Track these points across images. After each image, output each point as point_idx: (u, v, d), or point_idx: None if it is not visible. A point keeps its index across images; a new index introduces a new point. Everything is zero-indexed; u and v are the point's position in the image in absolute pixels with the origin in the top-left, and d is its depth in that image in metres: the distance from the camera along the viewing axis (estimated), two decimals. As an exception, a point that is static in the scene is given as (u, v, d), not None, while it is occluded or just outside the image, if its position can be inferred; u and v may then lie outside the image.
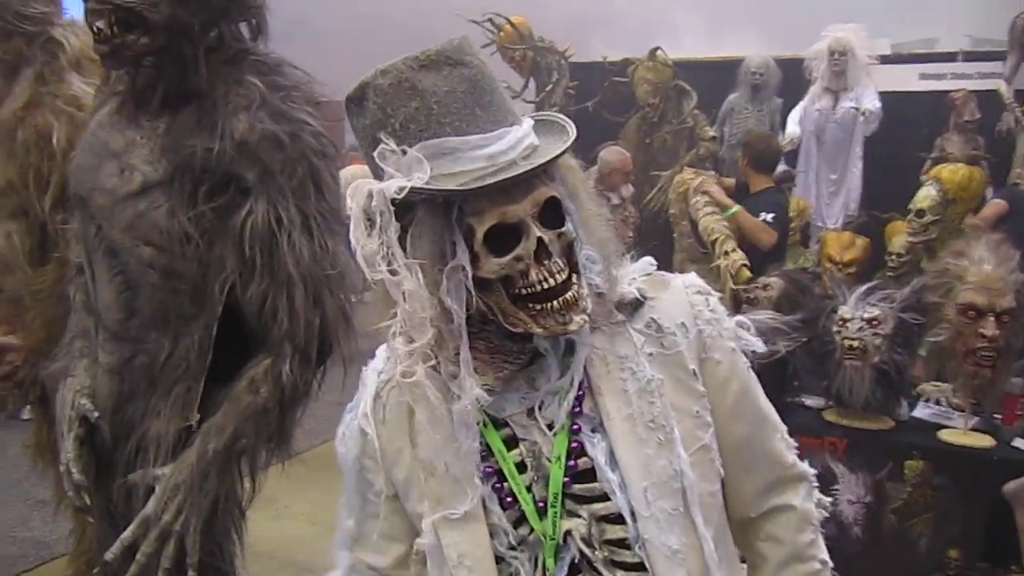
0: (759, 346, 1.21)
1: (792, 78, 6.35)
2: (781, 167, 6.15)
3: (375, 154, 1.02)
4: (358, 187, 1.01)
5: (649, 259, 1.21)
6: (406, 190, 0.98)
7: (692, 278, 1.19)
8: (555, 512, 1.08)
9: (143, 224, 1.64)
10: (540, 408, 1.10)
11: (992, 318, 2.84)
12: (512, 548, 1.09)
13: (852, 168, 5.95)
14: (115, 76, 1.70)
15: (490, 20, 6.87)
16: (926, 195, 4.07)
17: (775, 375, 3.32)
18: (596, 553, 1.08)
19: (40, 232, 2.19)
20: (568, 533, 1.08)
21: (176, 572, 1.66)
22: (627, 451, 1.08)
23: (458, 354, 1.04)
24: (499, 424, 1.11)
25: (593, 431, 1.09)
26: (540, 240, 1.02)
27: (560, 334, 1.05)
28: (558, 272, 1.03)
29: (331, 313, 1.65)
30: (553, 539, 1.07)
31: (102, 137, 1.69)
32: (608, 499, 1.08)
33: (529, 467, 1.09)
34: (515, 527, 1.09)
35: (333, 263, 1.65)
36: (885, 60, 6.31)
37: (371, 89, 1.02)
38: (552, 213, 1.04)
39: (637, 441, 1.08)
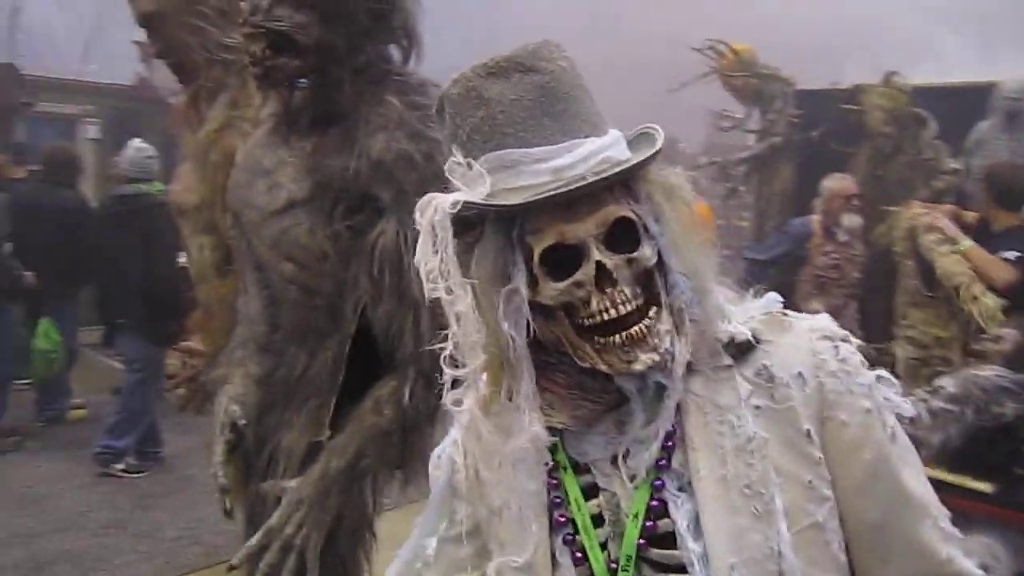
0: (906, 409, 1.01)
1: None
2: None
3: (445, 167, 0.96)
4: (427, 201, 0.96)
5: (775, 295, 1.04)
6: (459, 204, 0.91)
7: (821, 321, 1.02)
8: (629, 565, 0.95)
9: (286, 240, 1.68)
10: (626, 457, 0.96)
11: None
12: None
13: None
14: (272, 98, 1.77)
15: (711, 47, 6.66)
16: None
17: (1001, 443, 2.89)
18: None
19: (226, 246, 2.33)
20: None
21: (297, 585, 1.67)
22: (715, 518, 0.92)
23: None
24: (580, 469, 0.99)
25: (680, 490, 0.95)
26: (601, 265, 0.91)
27: (625, 372, 0.92)
28: (623, 303, 0.91)
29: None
30: None
31: (257, 156, 1.76)
32: (686, 571, 0.93)
33: (607, 521, 0.97)
34: None
35: (462, 286, 1.61)
36: None
37: (445, 99, 0.97)
38: (625, 235, 0.92)
39: (729, 508, 0.92)
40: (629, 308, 0.91)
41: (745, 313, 1.01)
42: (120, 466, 5.13)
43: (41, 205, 5.66)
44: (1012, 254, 4.15)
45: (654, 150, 0.94)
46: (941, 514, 0.99)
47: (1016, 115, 5.84)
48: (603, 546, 0.97)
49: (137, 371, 5.23)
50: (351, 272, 1.66)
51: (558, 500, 1.00)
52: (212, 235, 2.38)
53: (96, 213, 5.78)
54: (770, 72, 6.56)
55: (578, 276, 0.91)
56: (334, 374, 1.71)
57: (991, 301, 3.64)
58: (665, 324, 0.93)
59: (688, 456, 0.95)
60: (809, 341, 0.98)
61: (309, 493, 1.64)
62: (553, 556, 0.99)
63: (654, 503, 0.95)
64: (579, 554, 0.98)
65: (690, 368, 0.96)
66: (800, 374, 0.96)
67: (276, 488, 1.70)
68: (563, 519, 0.99)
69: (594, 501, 0.98)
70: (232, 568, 1.71)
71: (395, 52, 1.75)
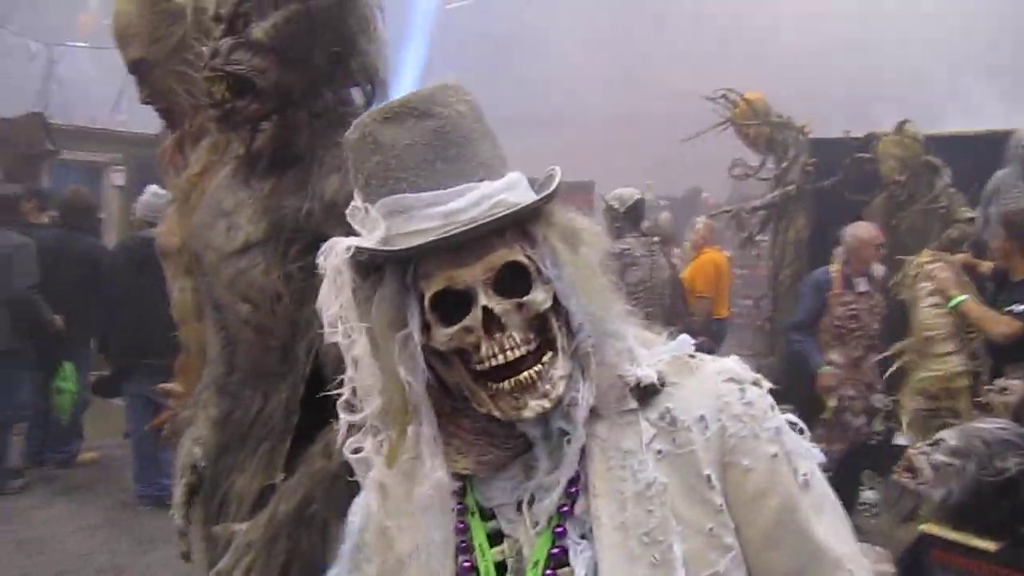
0: (816, 455, 0.97)
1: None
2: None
3: (347, 212, 0.97)
4: (330, 246, 0.97)
5: (686, 338, 1.02)
6: (353, 250, 0.92)
7: (728, 363, 0.99)
8: None
9: (242, 281, 1.69)
10: (531, 503, 0.95)
11: None
12: None
13: None
14: (235, 141, 1.79)
15: (724, 96, 6.68)
16: None
17: (1005, 499, 2.78)
18: None
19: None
20: None
21: (247, 633, 1.64)
22: (612, 567, 0.89)
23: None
24: (487, 515, 0.98)
25: (582, 536, 0.92)
26: (488, 310, 0.90)
27: (515, 420, 0.91)
28: (511, 348, 0.90)
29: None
30: None
31: (218, 197, 1.78)
32: None
33: (509, 568, 0.95)
34: None
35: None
36: None
37: (346, 145, 0.98)
38: (516, 279, 0.91)
39: (627, 557, 0.89)
40: (519, 353, 0.90)
41: (654, 356, 0.98)
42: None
43: (62, 250, 5.76)
44: (1022, 307, 4.07)
45: (545, 193, 0.94)
46: (859, 568, 0.94)
47: (1032, 164, 5.78)
48: None
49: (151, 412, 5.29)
50: (304, 314, 1.65)
51: (463, 545, 0.98)
52: (192, 277, 2.39)
53: (115, 257, 5.86)
54: (782, 120, 6.56)
55: (467, 321, 0.90)
56: (287, 416, 1.69)
57: (956, 362, 3.57)
58: (560, 369, 0.91)
59: (590, 502, 0.92)
60: (715, 384, 0.96)
61: (257, 537, 1.62)
62: None
63: (555, 551, 0.92)
64: None
65: (595, 412, 0.94)
66: (702, 417, 0.93)
67: (227, 531, 1.67)
68: (468, 564, 0.97)
69: (498, 548, 0.96)
70: (180, 613, 1.68)
71: (357, 94, 1.76)
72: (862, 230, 5.24)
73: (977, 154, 6.06)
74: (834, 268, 5.14)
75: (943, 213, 5.74)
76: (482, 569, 0.96)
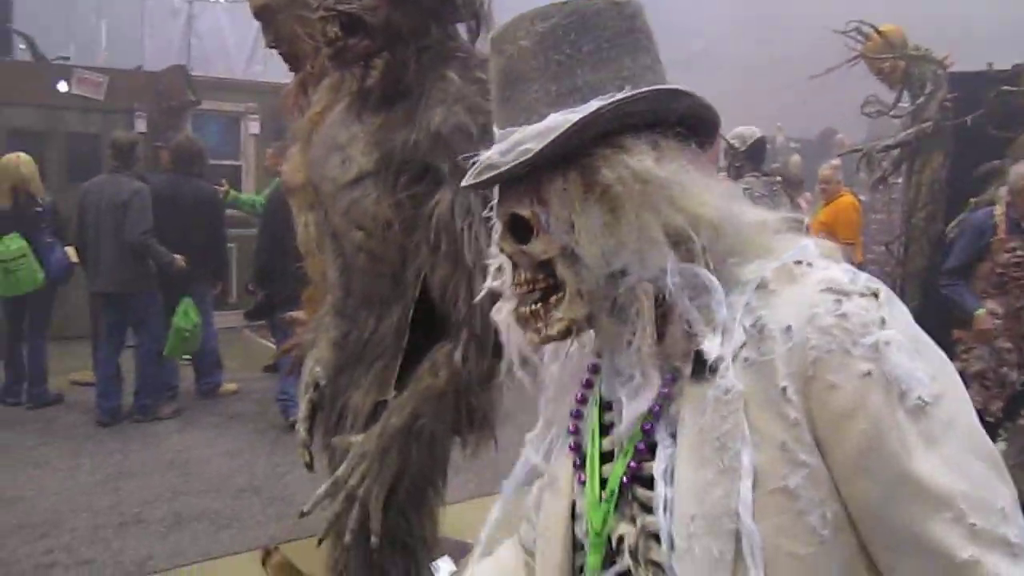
0: (919, 380, 0.83)
1: None
2: None
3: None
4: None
5: (808, 243, 0.94)
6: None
7: (834, 272, 0.89)
8: (606, 509, 0.97)
9: (356, 210, 1.79)
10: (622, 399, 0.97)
11: None
12: (583, 534, 1.01)
13: None
14: (348, 77, 1.88)
15: (856, 29, 6.35)
16: None
17: None
18: (640, 571, 0.94)
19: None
20: (620, 539, 0.96)
21: (362, 536, 1.78)
22: (685, 467, 0.90)
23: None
24: (605, 407, 1.02)
25: (673, 436, 0.92)
26: (505, 251, 0.99)
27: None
28: (518, 284, 0.98)
29: None
30: (599, 536, 0.97)
31: (332, 132, 1.88)
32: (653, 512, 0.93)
33: (613, 457, 0.99)
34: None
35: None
36: None
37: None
38: (520, 227, 0.96)
39: (699, 459, 0.88)
40: (524, 290, 0.97)
41: (762, 268, 0.92)
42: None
43: (174, 194, 6.03)
44: None
45: (524, 159, 0.90)
46: (973, 509, 0.81)
47: None
48: (603, 480, 0.99)
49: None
50: (413, 240, 1.74)
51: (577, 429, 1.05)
52: (315, 212, 2.53)
53: (269, 201, 6.15)
54: (920, 54, 6.19)
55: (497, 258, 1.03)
56: (398, 338, 1.80)
57: None
58: (565, 312, 0.94)
59: (680, 405, 0.92)
60: (811, 294, 0.87)
61: (371, 448, 1.75)
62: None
63: (640, 446, 0.95)
64: (584, 480, 1.01)
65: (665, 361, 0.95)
66: (789, 327, 0.86)
67: (344, 442, 1.81)
68: (575, 446, 1.04)
69: (608, 438, 1.00)
70: (303, 514, 1.84)
71: (463, 31, 1.82)
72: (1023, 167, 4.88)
73: None
74: (998, 211, 4.70)
75: (1096, 150, 5.32)
76: (588, 455, 1.01)
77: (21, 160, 6.05)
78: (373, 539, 1.76)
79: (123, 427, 5.85)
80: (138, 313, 5.92)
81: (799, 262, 0.91)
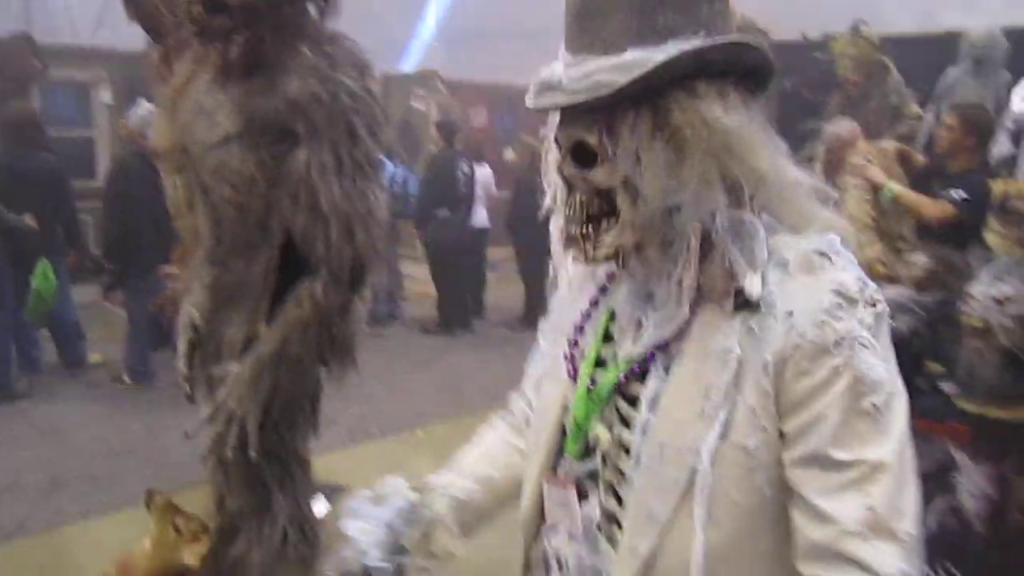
0: (880, 386, 0.91)
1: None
2: (1006, 148, 5.66)
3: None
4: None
5: (833, 237, 1.00)
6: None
7: (849, 277, 0.95)
8: (589, 408, 1.08)
9: (224, 169, 2.04)
10: (639, 327, 1.06)
11: None
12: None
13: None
14: (212, 51, 2.11)
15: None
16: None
17: (899, 355, 3.19)
18: (606, 472, 1.07)
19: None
20: (596, 439, 1.08)
21: (241, 453, 2.06)
22: (671, 401, 1.00)
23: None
24: (612, 317, 1.12)
25: (667, 369, 1.02)
26: (564, 173, 1.04)
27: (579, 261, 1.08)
28: (571, 207, 1.04)
29: (360, 245, 1.96)
30: (579, 428, 1.09)
31: (199, 99, 2.12)
32: (631, 428, 1.05)
33: (608, 365, 1.10)
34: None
35: (363, 202, 1.96)
36: None
37: None
38: (585, 153, 1.00)
39: (685, 398, 0.99)
40: (576, 212, 1.03)
41: (789, 246, 0.99)
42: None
43: (14, 168, 5.87)
44: (960, 194, 4.41)
45: (622, 82, 0.93)
46: (879, 494, 0.90)
47: (982, 62, 6.04)
48: (593, 380, 1.10)
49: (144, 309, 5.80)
50: (275, 194, 2.02)
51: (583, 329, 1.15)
52: (183, 174, 2.74)
53: (117, 169, 6.10)
54: (745, 23, 6.77)
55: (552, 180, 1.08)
56: (266, 278, 2.08)
57: (873, 252, 3.94)
58: (614, 238, 1.00)
59: (683, 345, 1.01)
60: (821, 291, 0.94)
61: (246, 374, 2.02)
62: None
63: (635, 368, 1.05)
64: (574, 372, 1.13)
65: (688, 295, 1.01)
66: (791, 312, 0.94)
67: (222, 371, 2.08)
68: (576, 342, 1.15)
69: (606, 346, 1.11)
70: (187, 436, 2.10)
71: (312, 9, 2.08)
72: (844, 128, 5.36)
73: (929, 55, 6.31)
74: (816, 167, 5.12)
75: (894, 110, 6.05)
76: (587, 356, 1.12)
77: None
78: (252, 453, 2.05)
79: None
80: None
81: (822, 254, 0.97)
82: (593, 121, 0.97)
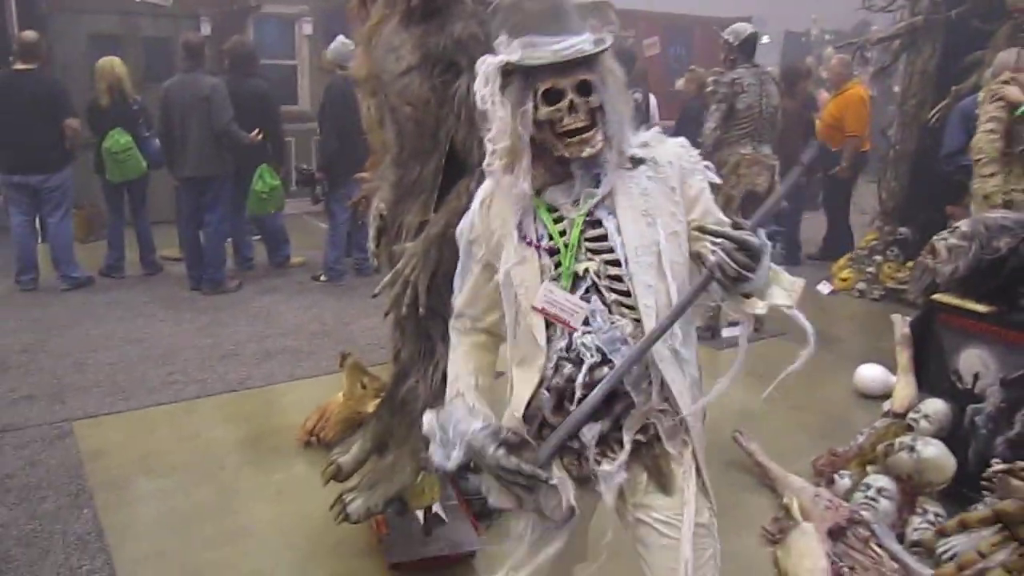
0: (714, 178, 1.86)
1: None
2: None
3: (495, 43, 1.78)
4: (484, 60, 1.71)
5: (657, 128, 1.89)
6: (504, 62, 1.67)
7: (680, 141, 1.86)
8: (570, 255, 1.72)
9: (406, 91, 2.67)
10: (577, 202, 1.75)
11: None
12: (553, 279, 1.73)
13: None
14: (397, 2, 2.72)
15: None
16: None
17: (998, 272, 3.46)
18: (602, 280, 1.72)
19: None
20: (586, 270, 1.71)
21: (412, 309, 2.73)
22: (627, 225, 1.72)
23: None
24: (552, 209, 1.77)
25: (610, 215, 1.73)
26: (572, 101, 1.66)
27: (577, 156, 1.70)
28: (580, 122, 1.67)
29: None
30: (568, 269, 1.72)
31: (389, 38, 2.74)
32: (613, 251, 1.72)
33: (568, 232, 1.74)
34: (555, 267, 1.73)
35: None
36: None
37: (501, 7, 1.74)
38: (586, 88, 1.68)
39: (634, 220, 1.72)
40: (582, 124, 1.68)
41: (643, 138, 1.82)
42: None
43: (234, 93, 6.76)
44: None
45: (604, 47, 1.70)
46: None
47: None
48: (565, 245, 1.74)
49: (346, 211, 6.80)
50: (443, 111, 2.62)
51: (534, 225, 1.77)
52: (376, 97, 3.42)
53: (327, 93, 7.00)
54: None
55: (559, 105, 1.67)
56: (435, 177, 2.71)
57: (993, 184, 4.06)
58: (600, 138, 1.70)
59: (615, 199, 1.73)
60: (675, 147, 1.82)
61: (420, 249, 2.68)
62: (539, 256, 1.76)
63: (590, 218, 1.73)
64: (549, 248, 1.74)
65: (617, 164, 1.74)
66: (671, 161, 1.79)
67: (401, 248, 2.75)
68: (542, 234, 1.76)
69: (560, 225, 1.74)
70: (375, 295, 2.81)
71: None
72: (1011, 55, 5.42)
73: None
74: (982, 95, 5.13)
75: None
76: (549, 231, 1.74)
77: (114, 63, 6.97)
78: (421, 310, 2.72)
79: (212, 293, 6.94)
80: (212, 196, 6.81)
81: (657, 136, 1.85)
82: (586, 69, 1.67)
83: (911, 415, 3.56)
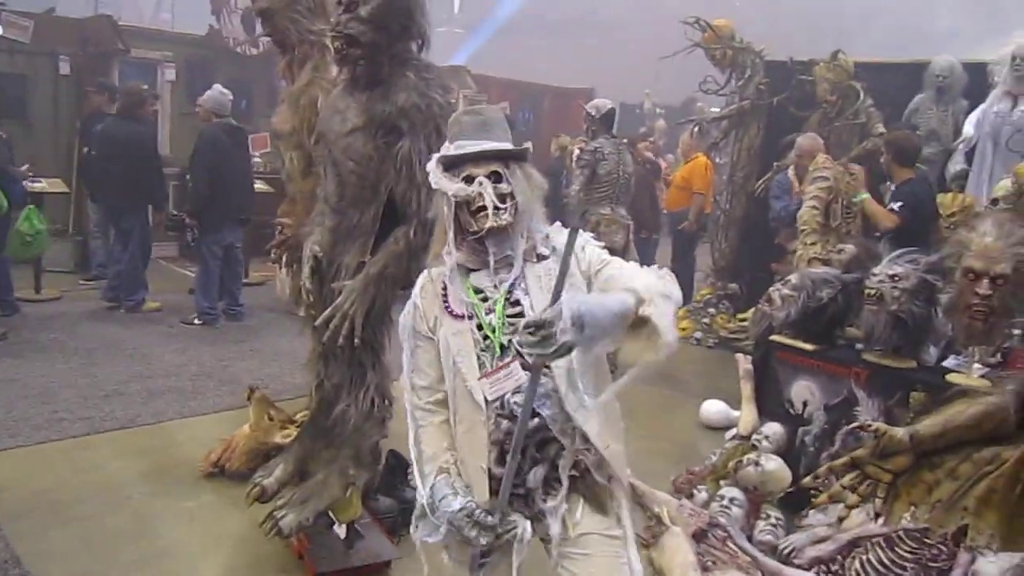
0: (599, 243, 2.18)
1: (981, 82, 6.72)
2: (959, 166, 6.67)
3: (441, 148, 2.21)
4: (432, 158, 2.13)
5: (558, 224, 2.21)
6: (440, 156, 2.10)
7: (585, 236, 2.13)
8: (500, 325, 2.04)
9: (350, 150, 3.06)
10: (498, 285, 2.08)
11: (986, 280, 3.39)
12: (483, 350, 2.05)
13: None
14: (343, 70, 3.12)
15: (697, 21, 7.87)
16: (1002, 186, 4.66)
17: (820, 317, 4.21)
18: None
19: (307, 157, 3.72)
20: (510, 340, 2.01)
21: (350, 340, 3.08)
22: (537, 299, 2.03)
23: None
24: (478, 291, 2.10)
25: (525, 295, 2.06)
26: (482, 185, 2.03)
27: (483, 227, 2.03)
28: (490, 202, 2.02)
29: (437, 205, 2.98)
30: (497, 341, 2.03)
31: (335, 101, 3.14)
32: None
33: (493, 311, 2.06)
34: (484, 340, 2.05)
35: (443, 177, 2.98)
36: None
37: (451, 120, 2.21)
38: (496, 178, 2.06)
39: (541, 294, 2.02)
40: (491, 204, 2.01)
41: (548, 230, 2.17)
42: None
43: (119, 136, 7.00)
44: (897, 205, 5.46)
45: (516, 148, 2.13)
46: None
47: (943, 90, 7.01)
48: (490, 323, 2.05)
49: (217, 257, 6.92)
50: (384, 167, 3.03)
51: (464, 302, 2.09)
52: (299, 150, 3.77)
53: (203, 140, 7.13)
54: (742, 45, 7.77)
55: (474, 187, 2.03)
56: (373, 223, 3.10)
57: (812, 252, 5.01)
58: (506, 216, 2.03)
59: (527, 283, 2.07)
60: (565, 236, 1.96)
61: (358, 286, 3.05)
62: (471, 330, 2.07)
63: (511, 299, 2.06)
64: (477, 326, 2.06)
65: (526, 253, 2.10)
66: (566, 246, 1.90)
67: (340, 285, 3.11)
68: (471, 312, 2.08)
69: (486, 304, 2.07)
70: (315, 328, 3.14)
71: (414, 46, 3.10)
72: (806, 140, 6.61)
73: (898, 80, 7.30)
74: (791, 172, 6.67)
75: (862, 128, 7.04)
76: (476, 311, 2.06)
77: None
78: (356, 341, 3.07)
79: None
80: None
81: (555, 230, 2.18)
82: (498, 163, 2.07)
83: (754, 436, 4.21)
